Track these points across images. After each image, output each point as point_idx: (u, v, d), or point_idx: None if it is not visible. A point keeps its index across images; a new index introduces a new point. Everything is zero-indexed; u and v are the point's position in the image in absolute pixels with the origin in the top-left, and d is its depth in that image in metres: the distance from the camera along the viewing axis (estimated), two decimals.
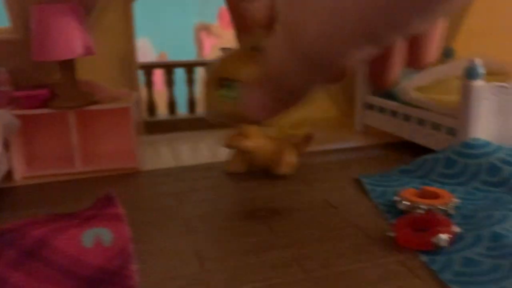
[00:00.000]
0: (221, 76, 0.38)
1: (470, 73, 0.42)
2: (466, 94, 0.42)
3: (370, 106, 0.59)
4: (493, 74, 0.51)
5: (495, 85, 0.43)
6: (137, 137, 0.50)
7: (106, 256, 0.30)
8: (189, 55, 1.55)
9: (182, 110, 0.70)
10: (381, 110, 0.56)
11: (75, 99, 0.46)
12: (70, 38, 0.44)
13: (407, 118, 0.51)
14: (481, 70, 0.42)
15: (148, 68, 0.66)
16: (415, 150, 0.50)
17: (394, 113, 0.54)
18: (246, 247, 0.32)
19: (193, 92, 0.68)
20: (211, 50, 1.58)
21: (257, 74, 0.27)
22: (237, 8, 0.28)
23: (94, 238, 0.31)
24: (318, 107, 0.72)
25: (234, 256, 0.31)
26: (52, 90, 0.47)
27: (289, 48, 0.21)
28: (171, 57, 1.55)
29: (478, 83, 0.42)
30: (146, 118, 0.66)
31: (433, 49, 0.30)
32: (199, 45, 1.56)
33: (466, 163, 0.41)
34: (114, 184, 0.46)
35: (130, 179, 0.47)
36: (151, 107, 0.67)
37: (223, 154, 0.48)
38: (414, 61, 0.30)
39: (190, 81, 0.68)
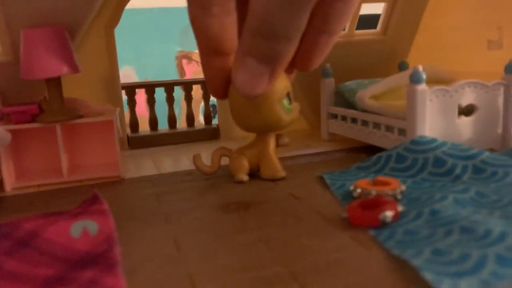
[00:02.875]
0: (287, 91, 0.44)
1: (414, 78, 0.47)
2: (411, 97, 0.48)
3: (334, 116, 0.64)
4: (441, 82, 0.57)
5: (437, 88, 0.48)
6: (120, 148, 0.54)
7: (92, 243, 0.34)
8: None
9: (162, 127, 0.74)
10: (343, 118, 0.62)
11: (62, 114, 0.51)
12: (56, 58, 0.48)
13: (365, 123, 0.57)
14: (424, 76, 0.47)
15: (131, 89, 0.70)
16: (373, 151, 0.55)
17: (354, 120, 0.59)
18: (218, 232, 0.36)
19: (173, 110, 0.73)
20: (192, 76, 1.63)
21: (242, 42, 0.32)
22: (202, 26, 0.32)
23: (82, 229, 0.35)
24: None
25: (207, 240, 0.35)
26: (40, 106, 0.51)
27: None
28: None
29: (421, 87, 0.47)
30: (129, 134, 0.70)
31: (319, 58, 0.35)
32: (181, 71, 1.62)
33: (415, 157, 0.47)
34: (99, 190, 0.49)
35: (114, 185, 0.51)
36: (134, 124, 0.71)
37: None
38: (303, 65, 0.35)
39: (170, 100, 0.73)
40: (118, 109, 0.57)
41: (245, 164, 0.50)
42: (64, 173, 0.52)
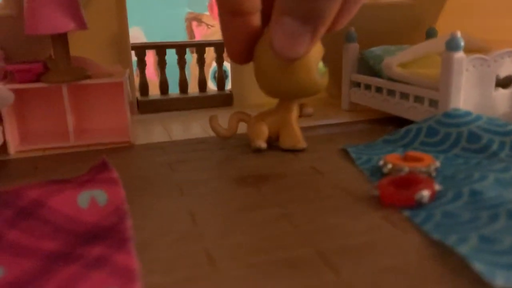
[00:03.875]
0: (322, 52, 0.40)
1: (451, 45, 0.43)
2: (447, 65, 0.44)
3: (357, 84, 0.60)
4: (474, 51, 0.53)
5: (475, 57, 0.44)
6: (130, 113, 0.51)
7: (101, 215, 0.31)
8: None
9: (174, 91, 0.71)
10: (367, 87, 0.58)
11: (69, 74, 0.47)
12: (62, 13, 0.44)
13: (391, 93, 0.53)
14: (462, 42, 0.43)
15: (140, 49, 0.67)
16: (399, 123, 0.52)
17: (379, 89, 0.55)
18: (236, 206, 0.34)
19: (184, 73, 0.69)
20: (202, 39, 1.58)
21: (280, 0, 0.28)
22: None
23: (89, 199, 0.33)
24: None
25: (225, 214, 0.32)
26: (45, 65, 0.48)
27: None
28: None
29: (459, 55, 0.43)
30: (139, 98, 0.67)
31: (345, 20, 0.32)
32: (190, 34, 1.57)
33: (447, 131, 0.43)
34: (107, 156, 0.46)
35: (124, 151, 0.48)
36: (144, 87, 0.68)
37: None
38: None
39: (182, 63, 0.69)
40: (128, 70, 0.54)
41: (264, 131, 0.47)
42: (70, 137, 0.49)
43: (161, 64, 0.68)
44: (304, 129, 0.55)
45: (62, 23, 0.44)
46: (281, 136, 0.47)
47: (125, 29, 0.62)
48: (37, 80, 0.47)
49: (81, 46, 0.58)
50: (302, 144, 0.46)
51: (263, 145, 0.46)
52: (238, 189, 0.37)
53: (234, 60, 0.35)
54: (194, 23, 1.54)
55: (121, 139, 0.50)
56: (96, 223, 0.30)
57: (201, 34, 1.55)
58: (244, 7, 0.27)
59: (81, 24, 0.46)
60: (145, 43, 0.67)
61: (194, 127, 0.59)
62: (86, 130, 0.53)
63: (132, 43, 0.64)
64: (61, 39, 0.47)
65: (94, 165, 0.38)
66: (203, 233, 0.30)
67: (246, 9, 0.28)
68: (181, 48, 0.68)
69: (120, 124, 0.52)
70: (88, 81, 0.48)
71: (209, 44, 0.70)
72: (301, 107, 0.48)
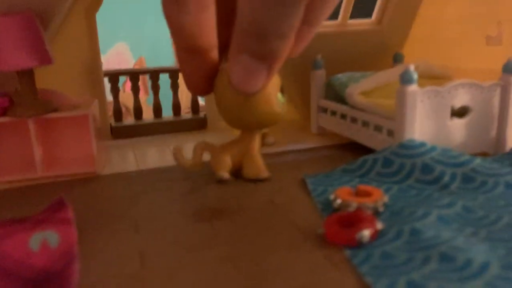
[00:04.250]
0: (280, 83, 0.40)
1: (405, 79, 0.44)
2: (401, 98, 0.45)
3: (324, 110, 0.61)
4: (435, 78, 0.55)
5: (429, 88, 0.46)
6: (98, 142, 0.52)
7: (50, 258, 0.32)
8: (167, 59, 1.57)
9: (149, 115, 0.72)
10: (333, 113, 0.59)
11: (35, 108, 0.48)
12: (26, 49, 0.45)
13: (354, 120, 0.54)
14: (415, 76, 0.44)
15: (114, 76, 0.68)
16: (362, 149, 0.53)
17: (343, 116, 0.57)
18: (187, 245, 0.34)
19: (158, 98, 0.70)
20: None
21: (235, 40, 0.29)
22: (177, 23, 0.29)
23: (41, 241, 0.33)
24: None
25: (175, 254, 0.33)
26: (11, 99, 0.48)
27: None
28: (149, 61, 1.57)
29: (412, 88, 0.45)
30: (112, 124, 0.68)
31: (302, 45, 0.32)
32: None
33: (402, 162, 0.44)
34: (72, 188, 0.47)
35: (88, 183, 0.49)
36: (118, 113, 0.69)
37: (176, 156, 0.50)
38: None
39: (156, 88, 0.70)
40: (97, 100, 0.55)
41: (227, 161, 0.48)
42: (37, 169, 0.50)
43: (135, 89, 0.69)
44: (271, 156, 0.56)
45: (26, 60, 0.45)
46: (244, 167, 0.48)
47: (97, 57, 0.63)
48: (3, 114, 0.48)
49: (51, 76, 0.59)
50: (264, 174, 0.47)
51: (226, 176, 0.47)
52: (193, 225, 0.38)
53: (194, 93, 0.36)
54: None
55: (87, 169, 0.51)
56: (44, 267, 0.31)
57: None
58: (202, 45, 0.28)
59: (46, 60, 0.47)
60: (118, 70, 0.68)
61: (166, 152, 0.60)
62: (54, 162, 0.53)
63: (105, 70, 0.66)
64: (27, 74, 0.48)
65: (51, 203, 0.39)
66: (150, 276, 0.30)
67: (202, 46, 0.29)
68: (155, 74, 0.69)
69: (86, 155, 0.53)
70: (53, 115, 0.49)
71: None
72: (263, 136, 0.49)
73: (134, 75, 0.68)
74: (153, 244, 0.35)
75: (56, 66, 0.57)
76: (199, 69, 0.32)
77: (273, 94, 0.42)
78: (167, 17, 0.27)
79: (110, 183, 0.49)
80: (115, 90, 0.67)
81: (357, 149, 0.55)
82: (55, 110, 0.50)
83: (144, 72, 0.69)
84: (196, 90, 0.37)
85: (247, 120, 0.44)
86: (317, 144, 0.60)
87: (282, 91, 0.44)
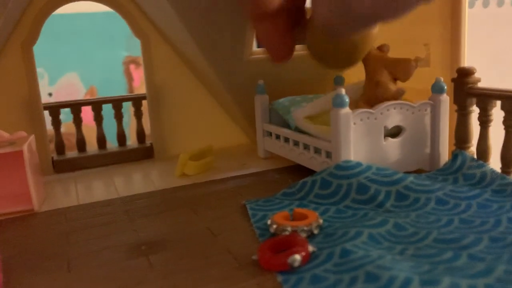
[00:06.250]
0: None
1: (337, 102, 0.46)
2: (335, 120, 0.46)
3: (269, 133, 0.62)
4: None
5: (361, 111, 0.47)
6: (36, 178, 0.51)
7: None
8: (119, 88, 1.55)
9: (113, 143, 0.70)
10: (277, 136, 0.60)
11: None
12: None
13: (296, 143, 0.55)
14: (346, 99, 0.46)
15: (54, 109, 0.66)
16: (305, 172, 0.53)
17: (286, 140, 0.57)
18: (120, 283, 0.34)
19: (102, 129, 0.69)
20: (141, 81, 1.58)
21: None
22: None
23: None
24: (227, 135, 0.75)
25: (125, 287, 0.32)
26: None
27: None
28: (101, 90, 1.55)
29: (344, 111, 0.46)
30: (54, 157, 0.66)
31: None
32: (129, 77, 1.57)
33: (339, 183, 0.45)
34: (6, 227, 0.46)
35: (24, 221, 0.47)
36: (60, 146, 0.67)
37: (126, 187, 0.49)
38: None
39: (99, 118, 0.69)
40: (33, 135, 0.53)
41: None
42: None
43: (77, 121, 0.67)
44: (215, 182, 0.56)
45: None
46: None
47: (36, 91, 0.62)
48: None
49: None
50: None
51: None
52: (128, 261, 0.37)
53: (278, 58, 0.35)
54: (132, 66, 1.55)
55: (24, 207, 0.49)
56: None
57: (139, 76, 1.56)
58: (271, 7, 0.31)
59: None
60: (58, 102, 0.67)
61: (108, 185, 0.58)
62: None
63: (44, 103, 0.64)
64: None
65: None
66: None
67: (273, 10, 0.31)
68: (97, 105, 0.69)
69: (22, 192, 0.51)
70: None
71: (126, 99, 0.71)
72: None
73: (75, 106, 0.67)
74: (84, 285, 0.34)
75: None
76: (276, 31, 0.33)
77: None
78: None
79: (47, 220, 0.47)
80: (56, 123, 0.66)
81: (301, 171, 0.56)
82: None
83: (86, 103, 0.68)
84: (279, 54, 0.37)
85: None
86: (263, 168, 0.61)
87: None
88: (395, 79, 0.52)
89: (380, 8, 0.25)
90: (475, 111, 0.52)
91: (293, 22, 0.35)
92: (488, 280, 0.27)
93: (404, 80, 0.51)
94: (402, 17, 0.25)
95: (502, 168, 0.49)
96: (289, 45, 0.34)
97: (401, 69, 0.50)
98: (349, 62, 0.46)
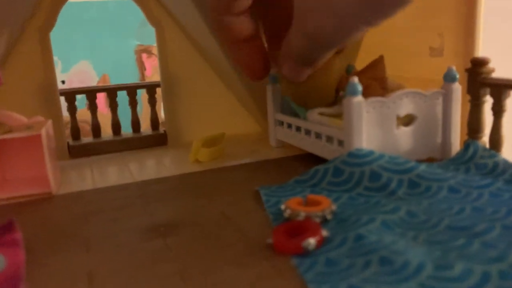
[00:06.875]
0: None
1: (350, 90, 0.46)
2: (348, 109, 0.47)
3: (281, 123, 0.62)
4: (390, 91, 0.56)
5: (374, 99, 0.47)
6: (53, 162, 0.52)
7: None
8: (131, 76, 1.56)
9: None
10: (289, 126, 0.60)
11: None
12: None
13: (308, 132, 0.56)
14: (359, 87, 0.46)
15: (70, 95, 0.67)
16: (317, 161, 0.54)
17: (298, 129, 0.58)
18: (137, 263, 0.35)
19: (117, 115, 0.70)
20: (153, 70, 1.59)
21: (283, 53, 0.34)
22: (222, 23, 0.36)
23: None
24: (240, 124, 0.76)
25: (124, 272, 0.33)
26: None
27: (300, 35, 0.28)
28: (113, 79, 1.56)
29: (357, 99, 0.46)
30: (70, 142, 0.67)
31: None
32: (140, 66, 1.58)
33: (352, 171, 0.46)
34: (25, 209, 0.47)
35: (43, 204, 0.48)
36: (75, 132, 0.68)
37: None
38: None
39: (114, 104, 0.70)
40: (51, 120, 0.54)
41: None
42: None
43: (92, 107, 0.68)
44: (228, 169, 0.57)
45: None
46: None
47: (53, 77, 0.63)
48: None
49: (5, 97, 0.59)
50: None
51: None
52: (145, 242, 0.38)
53: (254, 77, 0.37)
54: (144, 55, 1.55)
55: (42, 190, 0.50)
56: None
57: (151, 65, 1.56)
58: (247, 34, 0.32)
59: None
60: (74, 88, 0.68)
61: (124, 170, 0.60)
62: (8, 183, 0.53)
63: (61, 89, 0.65)
64: None
65: (2, 225, 0.38)
66: None
67: (253, 36, 0.33)
68: (112, 91, 0.69)
69: (40, 176, 0.53)
70: (5, 136, 0.48)
71: (141, 86, 0.72)
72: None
73: (91, 93, 0.68)
74: (103, 263, 0.35)
75: (9, 86, 0.56)
76: (252, 54, 0.35)
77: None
78: (218, 20, 0.32)
79: (65, 203, 0.48)
80: (72, 109, 0.67)
81: (313, 159, 0.56)
82: (10, 131, 0.49)
83: (101, 90, 0.69)
84: (255, 74, 0.38)
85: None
86: (275, 156, 0.61)
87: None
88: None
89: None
90: (488, 101, 0.52)
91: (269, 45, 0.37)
92: (501, 266, 0.28)
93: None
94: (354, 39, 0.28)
95: None
96: (264, 66, 0.36)
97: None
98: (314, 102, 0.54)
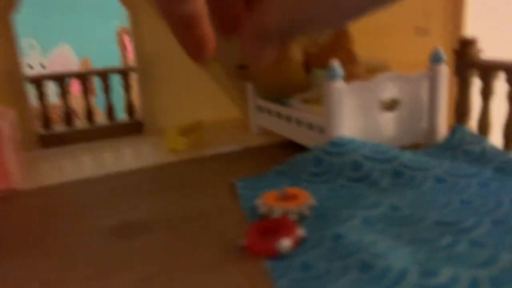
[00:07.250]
0: None
1: (330, 76, 0.43)
2: (328, 94, 0.44)
3: (261, 109, 0.60)
4: (373, 71, 0.54)
5: (355, 84, 0.45)
6: (16, 154, 0.48)
7: None
8: (113, 59, 1.51)
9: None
10: (270, 112, 0.57)
11: None
12: None
13: (288, 119, 0.53)
14: (340, 72, 0.43)
15: (38, 81, 0.63)
16: (299, 148, 0.51)
17: (279, 115, 0.55)
18: (99, 268, 0.32)
19: (90, 102, 0.67)
20: None
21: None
22: (173, 12, 0.31)
23: None
24: (219, 110, 0.72)
25: (82, 280, 0.31)
26: None
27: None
28: (94, 61, 1.51)
29: (338, 84, 0.43)
30: (41, 132, 0.64)
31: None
32: (122, 48, 1.53)
33: (332, 161, 0.43)
34: None
35: (6, 201, 0.45)
36: (46, 120, 0.65)
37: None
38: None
39: (86, 91, 0.67)
40: (13, 111, 0.51)
41: None
42: None
43: (64, 93, 0.65)
44: (206, 159, 0.54)
45: None
46: None
47: (17, 61, 0.59)
48: None
49: None
50: None
51: None
52: (110, 244, 0.35)
53: (198, 58, 0.34)
54: (126, 37, 1.50)
55: (2, 186, 0.47)
56: None
57: None
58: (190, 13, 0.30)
59: None
60: (43, 74, 0.64)
61: (96, 162, 0.56)
62: None
63: (28, 76, 0.62)
64: None
65: None
66: None
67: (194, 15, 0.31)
68: (83, 77, 0.66)
69: (1, 170, 0.49)
70: None
71: (116, 71, 0.68)
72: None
73: (59, 79, 0.64)
74: (58, 271, 0.32)
75: None
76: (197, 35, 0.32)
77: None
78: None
79: (28, 199, 0.45)
80: (40, 95, 0.63)
81: (294, 147, 0.54)
82: None
83: (71, 75, 0.65)
84: (199, 54, 0.35)
85: None
86: (256, 144, 0.59)
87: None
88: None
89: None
90: (476, 84, 0.50)
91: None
92: (492, 271, 0.26)
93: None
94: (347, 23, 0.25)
95: (504, 144, 0.47)
96: (209, 47, 0.33)
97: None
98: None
